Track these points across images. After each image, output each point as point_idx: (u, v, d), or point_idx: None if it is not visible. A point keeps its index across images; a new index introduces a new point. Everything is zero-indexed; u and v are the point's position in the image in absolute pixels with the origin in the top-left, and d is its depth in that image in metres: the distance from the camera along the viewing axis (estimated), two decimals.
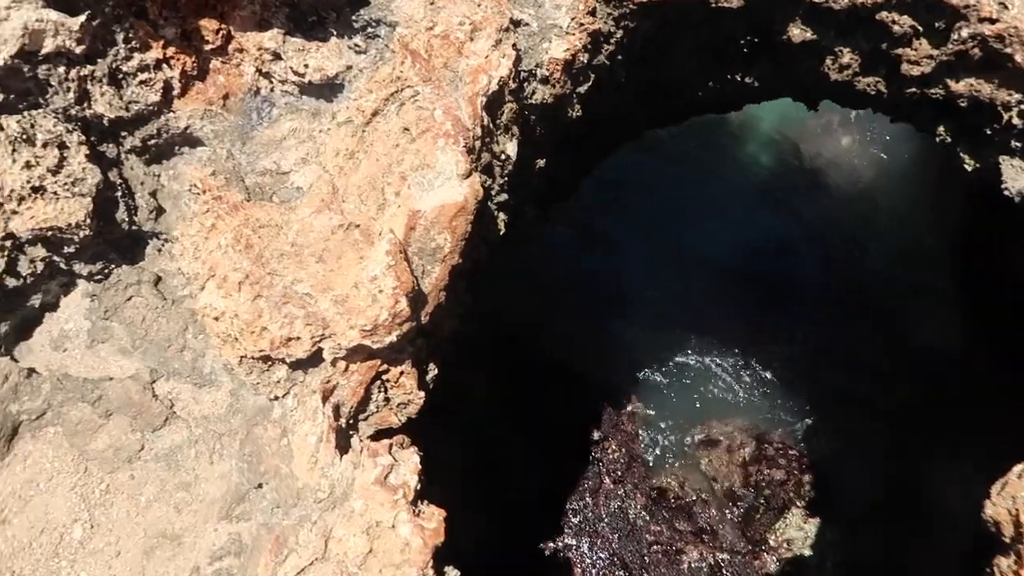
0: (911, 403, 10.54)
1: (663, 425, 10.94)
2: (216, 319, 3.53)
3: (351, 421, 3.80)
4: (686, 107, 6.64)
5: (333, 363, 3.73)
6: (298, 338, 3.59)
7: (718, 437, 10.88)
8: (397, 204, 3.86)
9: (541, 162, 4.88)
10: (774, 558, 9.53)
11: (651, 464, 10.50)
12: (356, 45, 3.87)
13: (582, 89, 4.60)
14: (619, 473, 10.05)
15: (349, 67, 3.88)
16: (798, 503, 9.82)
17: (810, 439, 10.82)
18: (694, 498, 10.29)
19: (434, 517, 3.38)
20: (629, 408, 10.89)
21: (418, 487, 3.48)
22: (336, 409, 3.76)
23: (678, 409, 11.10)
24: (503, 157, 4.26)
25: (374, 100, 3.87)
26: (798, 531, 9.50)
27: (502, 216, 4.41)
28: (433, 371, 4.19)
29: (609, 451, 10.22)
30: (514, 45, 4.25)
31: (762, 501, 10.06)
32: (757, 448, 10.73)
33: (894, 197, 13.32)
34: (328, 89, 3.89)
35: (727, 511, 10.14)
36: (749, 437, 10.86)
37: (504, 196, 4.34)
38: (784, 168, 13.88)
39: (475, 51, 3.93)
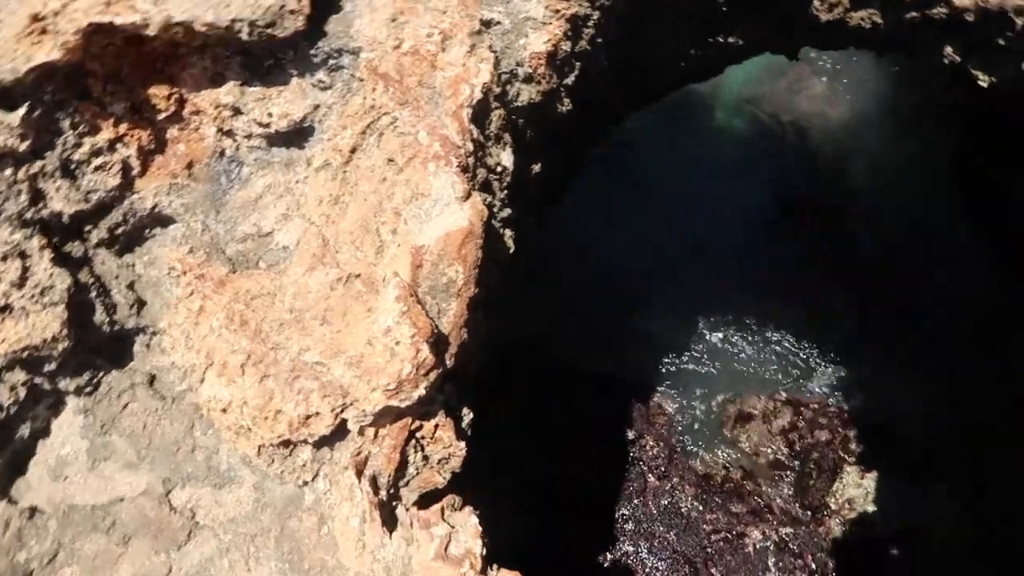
0: (937, 345, 10.28)
1: (695, 411, 10.63)
2: (224, 411, 3.14)
3: (392, 491, 3.42)
4: (666, 82, 6.31)
5: (361, 432, 3.35)
6: (317, 414, 3.21)
7: (751, 411, 10.55)
8: (396, 243, 3.49)
9: (536, 167, 4.52)
10: (838, 521, 9.20)
11: (692, 452, 10.16)
12: (320, 81, 3.50)
13: (569, 81, 4.25)
14: (662, 468, 9.69)
15: (316, 106, 3.51)
16: (850, 460, 9.49)
17: (847, 394, 10.52)
18: (741, 477, 9.96)
19: None
20: (657, 400, 10.54)
21: (483, 552, 3.11)
22: (373, 481, 3.38)
23: (706, 392, 10.80)
24: (499, 169, 3.90)
25: (350, 136, 3.49)
26: (857, 488, 9.17)
27: (508, 233, 4.05)
28: (468, 416, 3.81)
29: (647, 448, 9.86)
30: (490, 47, 3.90)
31: (812, 466, 9.72)
32: (794, 413, 10.41)
33: (877, 140, 13.10)
34: (298, 135, 3.52)
35: (779, 483, 9.81)
36: (783, 404, 10.55)
37: (508, 211, 3.98)
38: (764, 131, 13.63)
39: (450, 61, 3.57)
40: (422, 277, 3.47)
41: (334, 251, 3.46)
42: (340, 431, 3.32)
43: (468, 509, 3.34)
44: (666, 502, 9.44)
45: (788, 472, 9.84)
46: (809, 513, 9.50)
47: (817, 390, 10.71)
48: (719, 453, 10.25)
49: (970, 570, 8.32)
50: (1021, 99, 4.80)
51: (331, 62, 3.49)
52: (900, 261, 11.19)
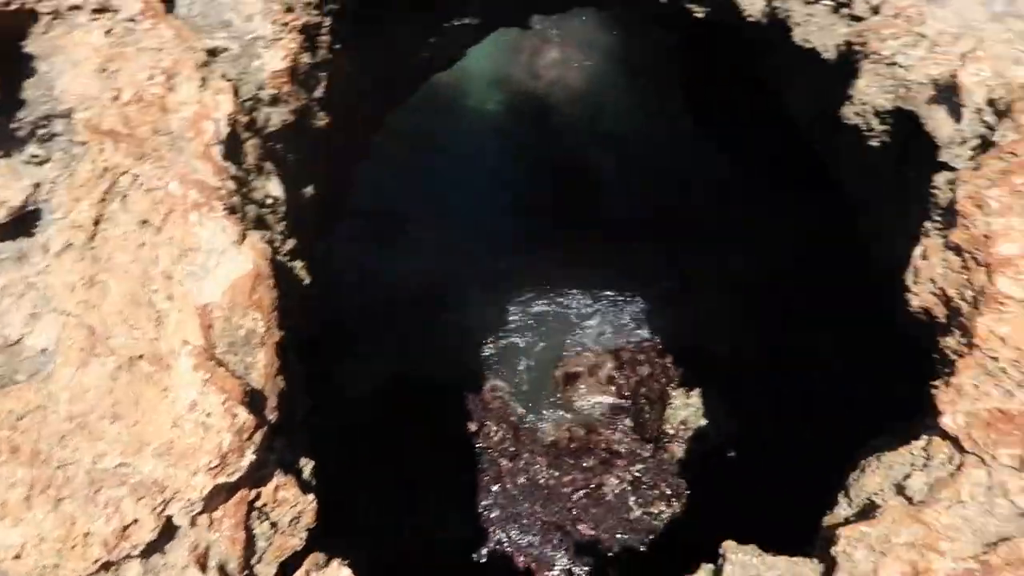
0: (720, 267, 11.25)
1: (525, 385, 10.84)
2: (17, 557, 2.66)
3: (246, 574, 3.11)
4: (414, 74, 6.26)
5: (193, 523, 3.00)
6: (135, 521, 2.82)
7: (576, 370, 10.95)
8: (177, 309, 3.14)
9: (309, 190, 4.28)
10: (679, 443, 9.82)
11: (534, 425, 10.37)
12: (33, 156, 3.05)
13: (319, 93, 4.05)
14: (511, 449, 9.81)
15: (37, 185, 3.05)
16: (673, 384, 10.15)
17: (655, 328, 11.19)
18: (586, 433, 10.33)
19: None
20: (488, 385, 10.63)
21: None
22: (222, 570, 3.05)
23: (530, 364, 11.05)
24: (270, 201, 3.63)
25: (88, 207, 3.08)
26: (686, 409, 9.83)
27: (299, 264, 3.80)
28: (308, 466, 3.56)
29: (491, 434, 9.93)
30: (223, 76, 3.60)
31: (643, 401, 10.29)
32: (614, 359, 10.93)
33: (616, 91, 14.03)
34: (23, 221, 3.04)
35: (619, 428, 10.28)
36: (602, 355, 11.04)
37: (292, 241, 3.73)
38: (517, 106, 14.12)
39: (183, 100, 3.25)
40: (216, 336, 3.15)
41: (104, 338, 3.04)
42: (168, 531, 2.95)
43: (336, 563, 3.11)
44: (523, 479, 9.58)
45: (624, 414, 10.34)
46: (651, 445, 10.06)
47: (629, 333, 11.30)
48: (558, 418, 10.54)
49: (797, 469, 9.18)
50: (728, 27, 5.28)
51: (40, 132, 3.04)
52: (664, 195, 12.10)
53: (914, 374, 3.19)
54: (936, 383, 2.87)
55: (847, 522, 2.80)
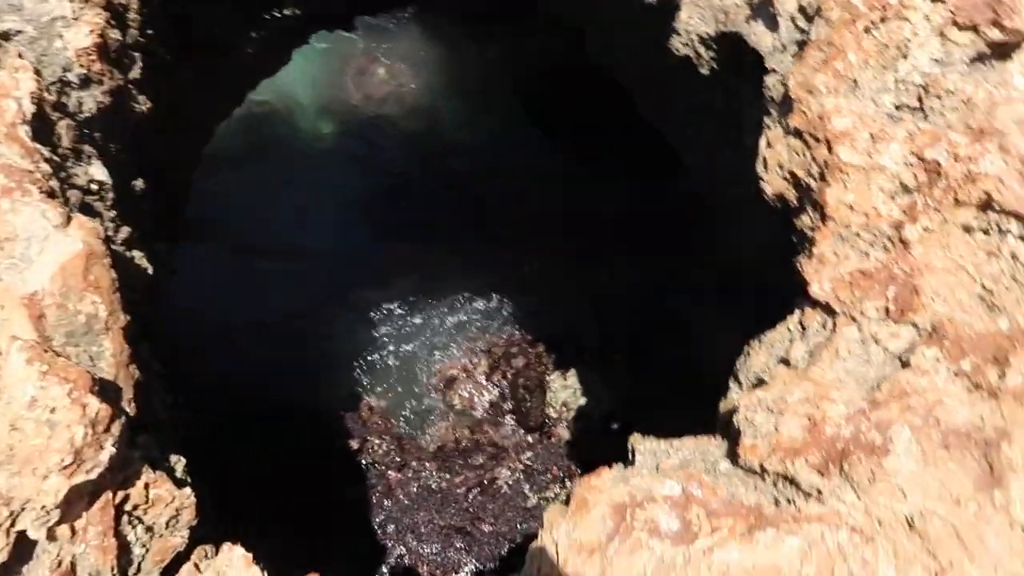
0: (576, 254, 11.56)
1: (403, 395, 10.62)
2: None
3: None
4: (236, 73, 5.97)
5: (51, 536, 2.62)
6: None
7: (452, 372, 10.85)
8: None
9: (139, 183, 3.93)
10: (564, 425, 9.90)
11: (418, 434, 10.15)
12: None
13: (135, 74, 3.72)
14: (398, 460, 9.52)
15: None
16: (549, 368, 10.25)
17: (524, 321, 11.29)
18: (471, 433, 10.22)
19: None
20: (365, 401, 10.30)
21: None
22: None
23: (405, 377, 10.85)
24: (95, 187, 3.29)
25: None
26: (565, 390, 9.95)
27: (138, 254, 3.45)
28: (181, 463, 3.21)
29: (376, 448, 9.60)
30: (20, 55, 3.23)
31: (522, 391, 10.32)
32: (488, 357, 10.92)
33: (453, 100, 14.15)
34: None
35: (503, 421, 10.25)
36: (478, 355, 11.00)
37: (127, 230, 3.38)
38: (353, 126, 13.92)
39: None
40: (51, 326, 2.79)
41: None
42: (23, 548, 2.55)
43: (227, 545, 2.82)
44: (415, 488, 9.31)
45: (506, 408, 10.32)
46: (537, 433, 10.10)
47: (498, 331, 11.34)
48: (442, 422, 10.38)
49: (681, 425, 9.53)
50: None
51: None
52: (512, 198, 12.28)
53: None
54: (800, 259, 3.01)
55: None
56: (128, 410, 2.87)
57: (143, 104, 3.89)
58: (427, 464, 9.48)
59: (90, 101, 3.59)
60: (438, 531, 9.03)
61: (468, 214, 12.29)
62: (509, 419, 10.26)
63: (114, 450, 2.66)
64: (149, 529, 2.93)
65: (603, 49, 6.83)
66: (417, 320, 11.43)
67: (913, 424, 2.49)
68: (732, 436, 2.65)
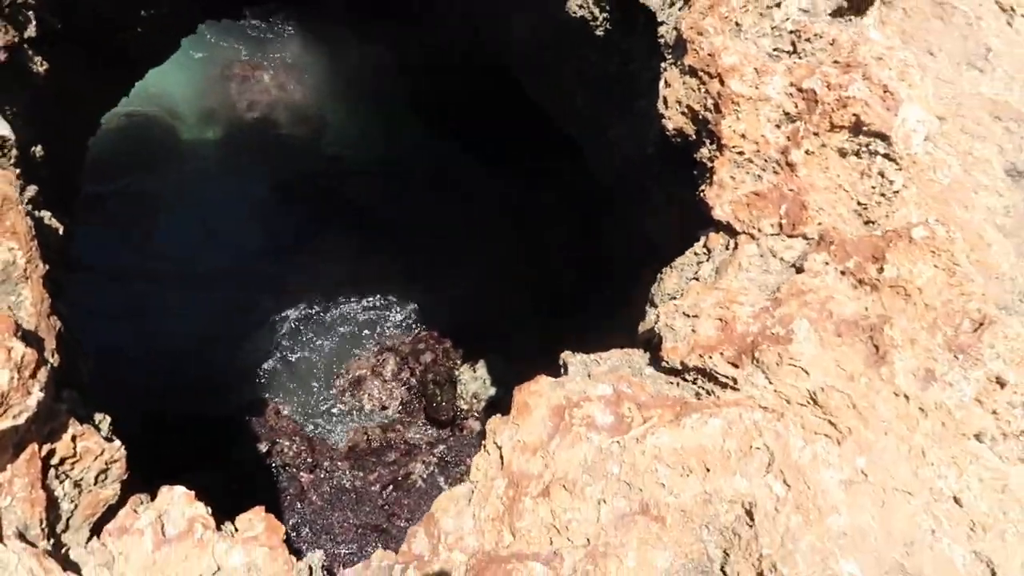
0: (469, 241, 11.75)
1: (311, 397, 10.45)
2: None
3: (56, 536, 2.66)
4: (126, 55, 5.83)
5: None
6: None
7: (360, 372, 10.77)
8: None
9: (38, 149, 3.80)
10: (474, 416, 10.00)
11: (329, 435, 10.00)
12: None
13: (30, 33, 3.61)
14: (309, 461, 9.34)
15: None
16: (457, 362, 10.33)
17: (428, 316, 11.34)
18: (383, 431, 10.15)
19: (254, 521, 2.61)
20: (271, 407, 10.05)
21: (209, 511, 2.63)
22: (22, 537, 2.59)
23: (312, 379, 10.69)
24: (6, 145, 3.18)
25: None
26: (475, 381, 10.04)
27: (47, 214, 3.35)
28: (106, 421, 3.13)
29: (285, 451, 9.38)
30: None
31: (432, 387, 10.35)
32: (396, 355, 10.90)
33: (342, 103, 14.11)
34: None
35: (415, 418, 10.24)
36: (384, 353, 10.96)
37: (33, 188, 3.28)
38: (237, 133, 13.64)
39: None
40: None
41: None
42: None
43: (166, 487, 2.78)
44: (328, 488, 9.17)
45: (416, 404, 10.32)
46: (450, 427, 10.15)
47: (405, 330, 11.34)
48: (352, 422, 10.26)
49: None
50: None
51: None
52: (409, 198, 12.36)
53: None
54: (703, 188, 3.28)
55: (658, 320, 3.09)
56: (52, 361, 2.79)
57: (39, 66, 3.78)
58: (339, 464, 9.36)
59: None
60: (354, 530, 8.92)
61: (368, 216, 12.27)
62: (421, 414, 10.26)
63: (41, 395, 2.59)
64: (77, 484, 2.85)
65: (495, 36, 7.07)
66: (322, 328, 11.30)
67: (810, 317, 2.78)
68: (654, 346, 2.87)
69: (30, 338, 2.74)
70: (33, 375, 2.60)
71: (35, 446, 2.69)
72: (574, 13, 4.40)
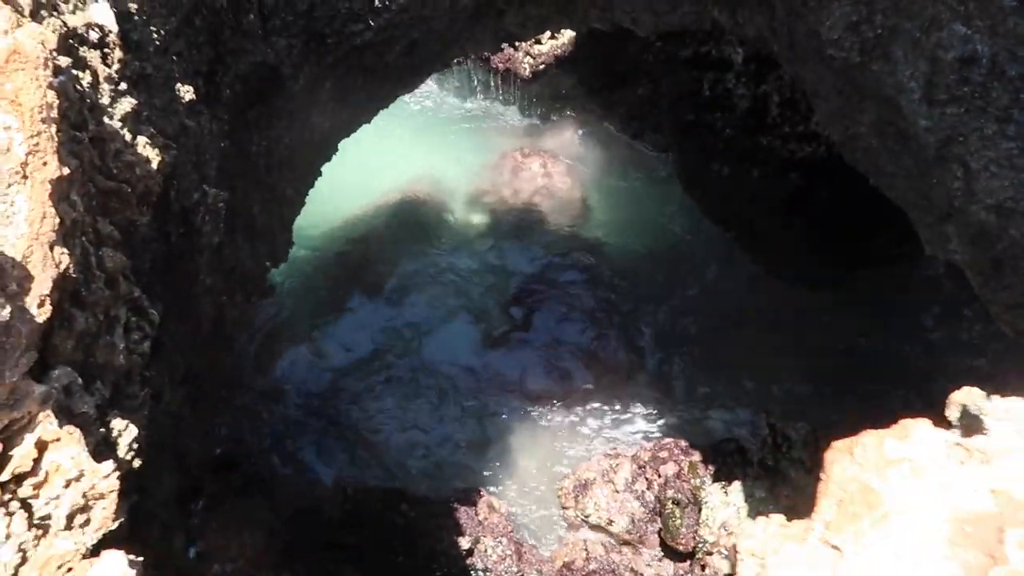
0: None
1: (529, 498, 9.14)
2: None
3: None
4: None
5: None
6: None
7: (588, 476, 9.23)
8: None
9: (173, 68, 2.97)
10: (720, 555, 7.92)
11: (541, 541, 8.53)
12: None
13: None
14: (513, 570, 7.88)
15: None
16: (707, 480, 8.38)
17: (671, 423, 9.70)
18: (604, 551, 8.45)
19: None
20: (484, 498, 8.83)
21: None
22: None
23: (532, 471, 9.43)
24: (92, 34, 2.32)
25: None
26: (726, 508, 8.00)
27: (143, 140, 2.42)
28: (130, 434, 1.99)
29: (489, 553, 8.03)
30: None
31: (672, 505, 8.46)
32: (633, 462, 9.24)
33: (611, 195, 13.33)
34: None
35: (646, 540, 8.42)
36: (619, 459, 9.37)
37: (129, 101, 2.38)
38: (501, 218, 13.26)
39: None
40: None
41: None
42: None
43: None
44: None
45: (649, 525, 8.52)
46: (688, 560, 8.16)
47: (643, 433, 9.84)
48: (570, 533, 8.74)
49: None
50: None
51: None
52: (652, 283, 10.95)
53: None
54: None
55: None
56: (34, 311, 1.71)
57: None
58: None
59: None
60: None
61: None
62: (654, 537, 8.42)
63: None
64: (39, 526, 1.69)
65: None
66: (548, 416, 10.10)
67: None
68: None
69: (6, 270, 1.68)
70: None
71: None
72: None
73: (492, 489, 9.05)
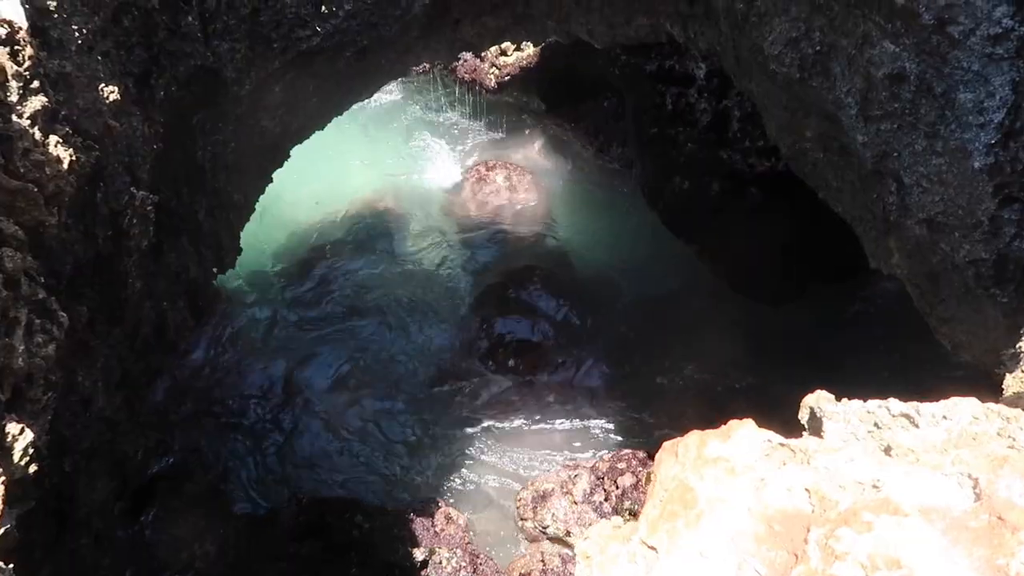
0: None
1: (487, 510, 9.10)
2: None
3: None
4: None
5: None
6: None
7: (547, 487, 9.21)
8: None
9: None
10: None
11: (499, 553, 8.49)
12: None
13: None
14: None
15: None
16: None
17: (628, 433, 9.76)
18: (561, 561, 8.43)
19: None
20: (441, 508, 8.77)
21: None
22: None
23: (490, 482, 9.40)
24: (0, 29, 2.27)
25: None
26: None
27: (55, 140, 2.38)
28: (26, 439, 1.93)
29: (444, 564, 7.97)
30: None
31: (628, 516, 8.47)
32: (591, 473, 9.26)
33: (580, 209, 13.38)
34: None
35: None
36: (575, 470, 9.38)
37: (40, 101, 2.33)
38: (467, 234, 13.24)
39: None
40: None
41: None
42: None
43: None
44: None
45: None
46: None
47: (602, 444, 9.89)
48: (532, 544, 8.71)
49: None
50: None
51: None
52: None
53: None
54: None
55: None
56: None
57: None
58: None
59: None
60: None
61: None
62: None
63: None
64: None
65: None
66: (509, 432, 10.09)
67: None
68: None
69: None
70: None
71: None
72: None
73: (451, 500, 9.01)
